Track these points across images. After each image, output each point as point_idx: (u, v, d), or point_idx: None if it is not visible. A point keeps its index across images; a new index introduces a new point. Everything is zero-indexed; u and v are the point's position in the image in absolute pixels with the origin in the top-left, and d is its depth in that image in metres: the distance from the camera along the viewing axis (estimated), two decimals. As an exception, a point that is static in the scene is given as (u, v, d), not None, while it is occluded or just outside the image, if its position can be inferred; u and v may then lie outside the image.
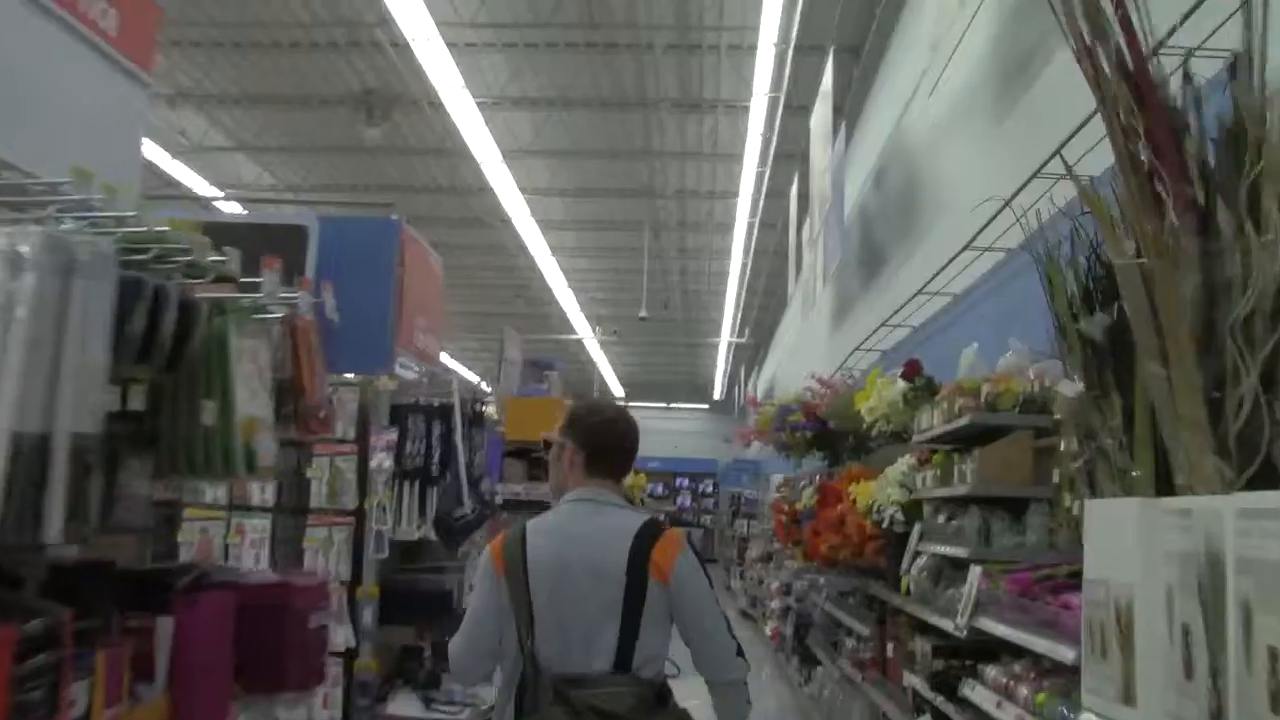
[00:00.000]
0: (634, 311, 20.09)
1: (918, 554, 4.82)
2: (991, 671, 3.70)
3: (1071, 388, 2.55)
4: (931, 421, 4.79)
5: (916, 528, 4.88)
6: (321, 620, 2.93)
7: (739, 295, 20.01)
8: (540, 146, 15.20)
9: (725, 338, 23.26)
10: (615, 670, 2.64)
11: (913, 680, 4.74)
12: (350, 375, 4.53)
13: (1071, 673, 2.80)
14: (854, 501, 5.79)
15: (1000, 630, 3.50)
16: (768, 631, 13.23)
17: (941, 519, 4.59)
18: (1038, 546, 3.88)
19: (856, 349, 8.73)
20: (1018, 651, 3.49)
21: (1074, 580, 2.92)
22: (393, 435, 4.45)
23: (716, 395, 33.39)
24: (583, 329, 22.73)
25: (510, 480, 7.21)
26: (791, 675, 10.21)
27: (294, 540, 4.45)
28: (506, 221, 16.55)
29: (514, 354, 7.95)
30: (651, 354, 29.95)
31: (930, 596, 4.56)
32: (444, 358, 8.15)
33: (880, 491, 5.30)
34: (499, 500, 7.11)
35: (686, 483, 35.72)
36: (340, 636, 4.16)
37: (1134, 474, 2.27)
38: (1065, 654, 2.90)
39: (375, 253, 4.53)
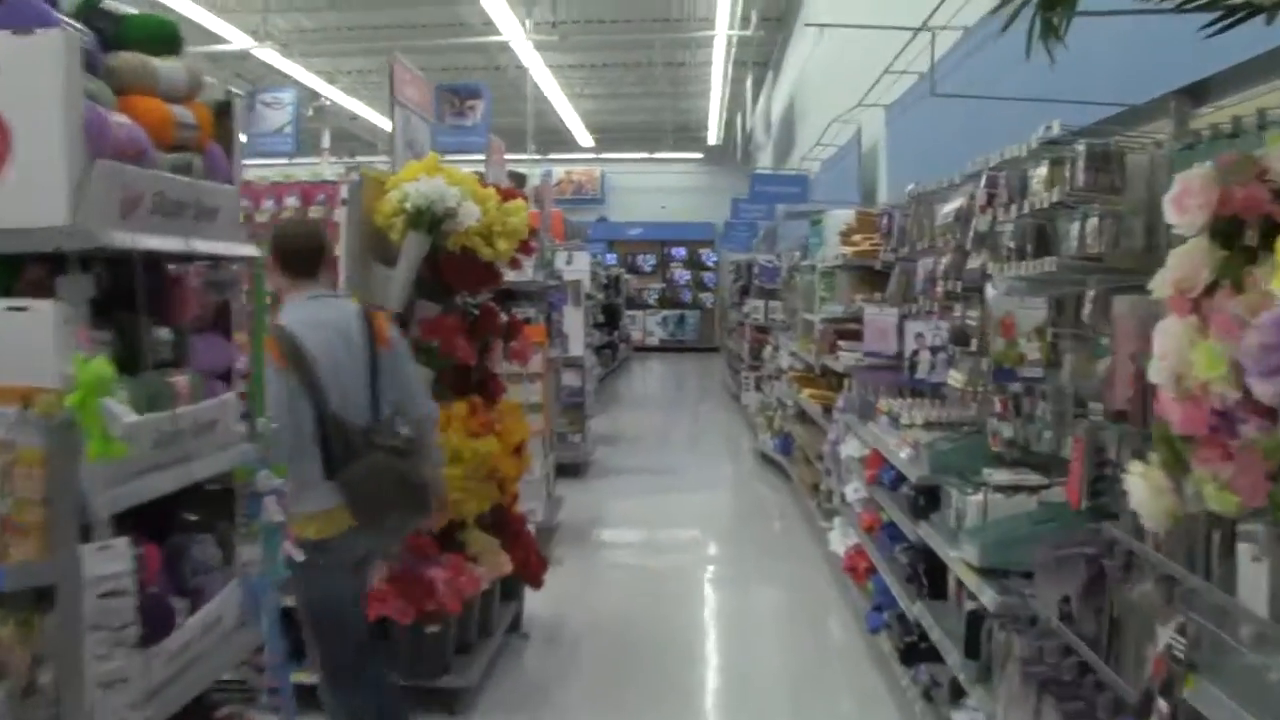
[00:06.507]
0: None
1: None
2: None
3: None
4: None
5: None
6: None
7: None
8: None
9: (722, 31, 15.37)
10: (374, 419, 3.58)
11: None
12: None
13: None
14: None
15: None
16: (833, 544, 6.28)
17: None
18: None
19: None
20: None
21: None
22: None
23: (712, 139, 25.65)
24: (509, 28, 14.61)
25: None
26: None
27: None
28: None
29: None
30: (621, 82, 21.92)
31: None
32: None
33: None
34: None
35: (681, 253, 28.76)
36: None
37: None
38: None
39: None
